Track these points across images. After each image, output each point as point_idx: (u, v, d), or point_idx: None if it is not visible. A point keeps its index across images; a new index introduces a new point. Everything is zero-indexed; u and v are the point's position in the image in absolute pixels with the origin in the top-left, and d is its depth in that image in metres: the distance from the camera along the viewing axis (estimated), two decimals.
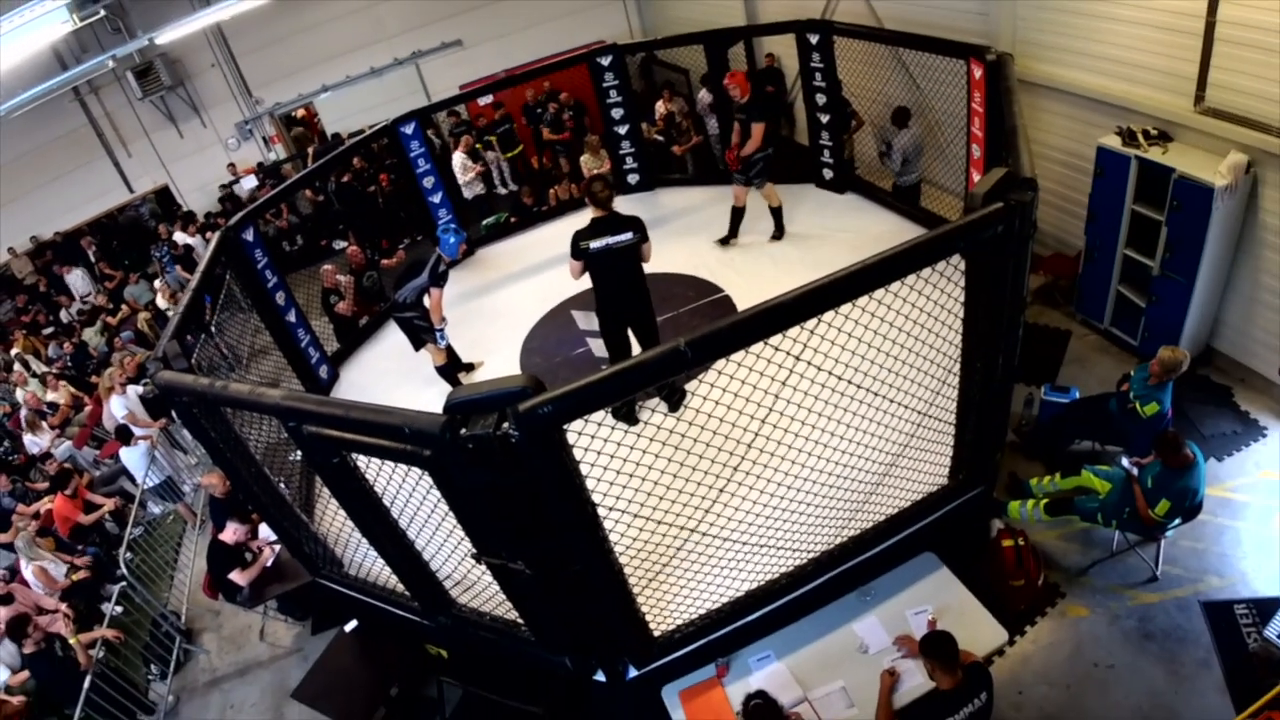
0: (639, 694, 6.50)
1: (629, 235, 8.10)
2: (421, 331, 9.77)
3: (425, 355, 10.00)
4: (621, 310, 8.58)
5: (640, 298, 8.55)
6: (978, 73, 8.99)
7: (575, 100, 17.32)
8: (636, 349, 8.69)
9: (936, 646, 5.45)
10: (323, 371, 11.21)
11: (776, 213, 11.76)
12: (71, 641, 8.72)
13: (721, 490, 5.83)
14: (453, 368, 10.20)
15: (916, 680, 5.92)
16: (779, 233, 11.85)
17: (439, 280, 9.20)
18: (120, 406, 11.99)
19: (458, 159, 15.37)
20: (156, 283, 17.09)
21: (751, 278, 11.03)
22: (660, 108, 15.73)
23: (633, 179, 14.31)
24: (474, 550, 5.52)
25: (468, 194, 15.42)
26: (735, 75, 10.85)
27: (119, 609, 9.66)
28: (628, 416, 8.61)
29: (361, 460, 5.60)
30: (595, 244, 8.08)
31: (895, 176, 11.92)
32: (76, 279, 18.68)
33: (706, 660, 6.51)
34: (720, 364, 4.54)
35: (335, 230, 17.79)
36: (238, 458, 7.01)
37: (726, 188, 12.46)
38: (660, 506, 5.46)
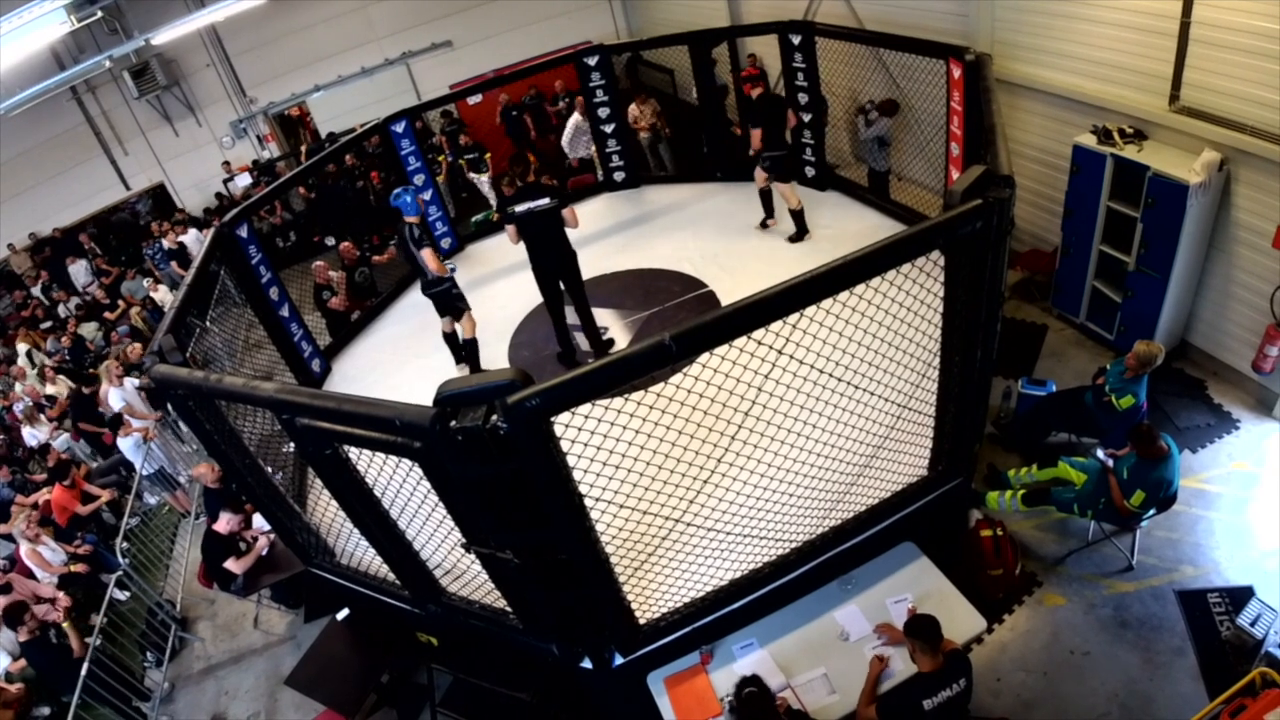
0: (625, 681, 6.55)
1: (547, 200, 9.25)
2: (456, 300, 10.00)
3: (420, 350, 10.09)
4: (545, 265, 9.71)
5: (562, 255, 9.66)
6: (957, 72, 9.10)
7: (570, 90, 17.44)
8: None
9: (921, 628, 5.52)
10: (315, 365, 11.28)
11: (794, 215, 11.55)
12: (64, 626, 8.81)
13: (706, 481, 5.92)
14: (474, 348, 10.33)
15: (898, 667, 6.01)
16: (798, 234, 11.64)
17: (420, 241, 9.49)
18: (118, 399, 12.04)
19: (576, 119, 15.58)
20: (145, 281, 17.14)
21: (735, 273, 11.09)
22: (633, 110, 15.74)
23: (619, 176, 14.39)
24: (463, 540, 5.58)
25: (574, 154, 15.80)
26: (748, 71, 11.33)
27: (125, 594, 9.81)
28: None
29: (353, 452, 5.67)
30: (519, 208, 9.30)
31: (871, 163, 12.15)
32: (80, 270, 18.72)
33: (691, 648, 6.57)
34: (704, 358, 4.61)
35: (327, 227, 17.85)
36: (232, 449, 7.03)
37: (711, 185, 12.69)
38: (646, 497, 5.53)
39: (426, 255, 9.47)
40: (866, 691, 5.88)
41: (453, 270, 9.76)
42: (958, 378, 6.07)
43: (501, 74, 15.10)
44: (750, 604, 6.54)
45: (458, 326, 10.22)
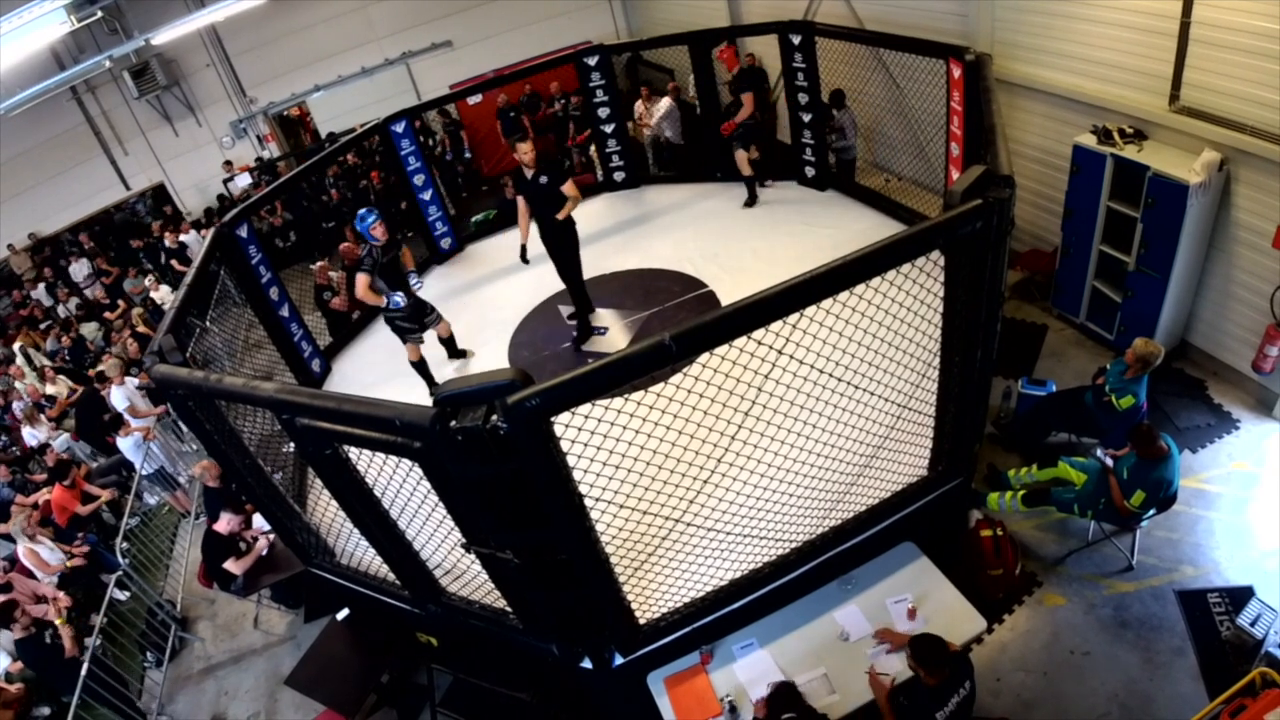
0: (625, 681, 6.56)
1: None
2: (405, 334, 9.76)
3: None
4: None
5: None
6: (957, 72, 9.09)
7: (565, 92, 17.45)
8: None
9: (926, 656, 5.47)
10: (315, 365, 11.28)
11: (747, 181, 12.66)
12: (58, 623, 8.82)
13: (706, 481, 5.95)
14: (424, 366, 10.04)
15: (896, 668, 6.02)
16: (750, 200, 12.82)
17: (360, 265, 9.25)
18: (120, 398, 12.03)
19: (668, 102, 15.62)
20: (147, 280, 17.15)
21: (735, 273, 11.08)
22: (639, 107, 15.83)
23: (619, 176, 14.39)
24: (463, 540, 5.59)
25: (663, 134, 15.74)
26: (724, 50, 11.78)
27: (125, 594, 9.83)
28: None
29: (353, 452, 5.68)
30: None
31: (840, 153, 12.41)
32: (83, 268, 18.74)
33: (691, 648, 6.57)
34: (704, 358, 4.61)
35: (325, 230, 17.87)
36: (232, 449, 7.04)
37: (711, 185, 12.66)
38: (646, 497, 5.55)
39: (359, 279, 9.17)
40: (886, 713, 5.81)
41: (396, 305, 9.44)
42: (958, 378, 6.07)
43: (501, 74, 15.12)
44: (750, 604, 6.54)
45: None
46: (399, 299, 9.42)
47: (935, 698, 5.49)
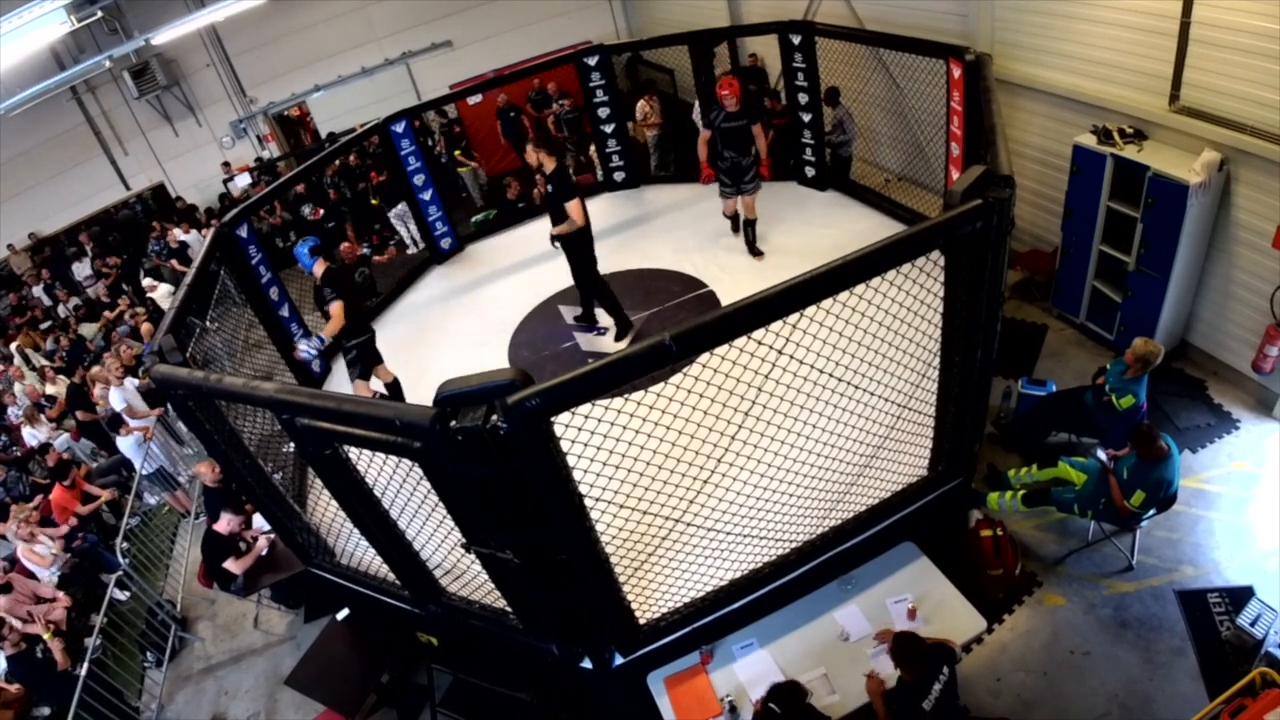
0: (625, 681, 6.56)
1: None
2: (351, 366, 9.60)
3: (419, 350, 10.03)
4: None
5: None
6: (957, 72, 9.09)
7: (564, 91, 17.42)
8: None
9: (907, 658, 5.57)
10: (315, 365, 11.20)
11: (751, 225, 11.37)
12: (45, 636, 8.81)
13: (706, 481, 5.96)
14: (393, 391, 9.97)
15: (891, 670, 6.03)
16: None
17: (326, 297, 8.95)
18: (119, 399, 12.02)
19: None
20: (146, 280, 17.15)
21: (735, 273, 11.08)
22: (643, 105, 15.85)
23: (619, 176, 14.37)
24: (463, 540, 5.59)
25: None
26: (733, 84, 10.27)
27: (125, 594, 9.83)
28: None
29: (353, 452, 5.68)
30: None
31: (839, 148, 12.39)
32: (84, 268, 18.74)
33: (691, 648, 6.57)
34: (704, 358, 4.62)
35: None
36: (232, 449, 7.02)
37: (712, 185, 12.60)
38: (646, 497, 5.55)
39: (335, 309, 8.82)
40: (881, 714, 5.84)
41: (322, 351, 9.30)
42: (958, 378, 6.07)
43: (501, 74, 15.10)
44: (750, 604, 6.54)
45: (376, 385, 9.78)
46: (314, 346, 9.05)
47: (917, 691, 5.54)
